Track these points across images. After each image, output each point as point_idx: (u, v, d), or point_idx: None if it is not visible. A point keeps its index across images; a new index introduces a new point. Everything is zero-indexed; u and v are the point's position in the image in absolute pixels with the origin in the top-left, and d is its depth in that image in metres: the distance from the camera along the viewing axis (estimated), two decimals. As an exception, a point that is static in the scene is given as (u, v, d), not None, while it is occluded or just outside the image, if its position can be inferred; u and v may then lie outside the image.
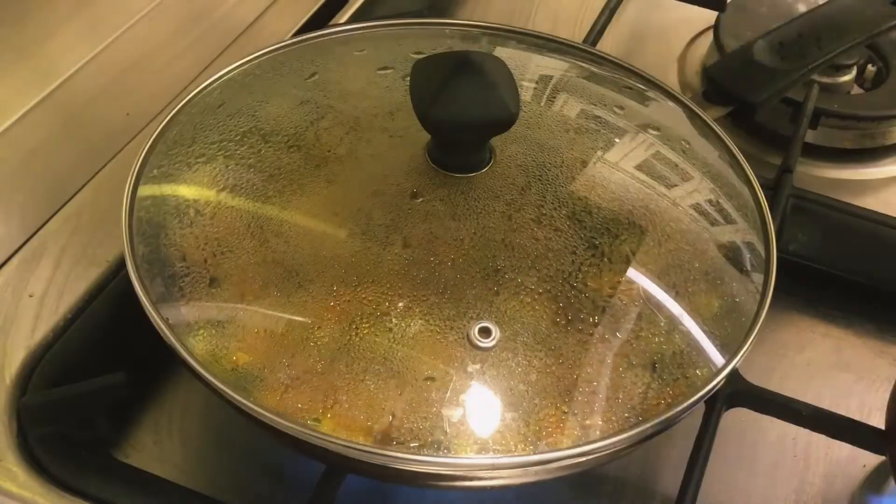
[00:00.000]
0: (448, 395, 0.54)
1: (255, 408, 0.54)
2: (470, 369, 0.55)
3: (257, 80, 0.72)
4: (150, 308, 0.57)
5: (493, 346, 0.56)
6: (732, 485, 0.66)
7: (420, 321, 0.56)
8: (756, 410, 0.66)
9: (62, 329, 0.68)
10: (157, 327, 0.56)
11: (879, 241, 0.79)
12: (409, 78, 0.61)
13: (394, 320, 0.56)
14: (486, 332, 0.56)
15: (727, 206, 0.70)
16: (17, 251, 0.73)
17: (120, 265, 0.72)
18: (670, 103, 0.74)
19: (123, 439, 0.66)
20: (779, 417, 0.66)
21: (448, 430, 0.54)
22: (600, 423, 0.56)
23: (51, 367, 0.66)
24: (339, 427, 0.54)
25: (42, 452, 0.62)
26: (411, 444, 0.53)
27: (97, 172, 0.79)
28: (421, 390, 0.54)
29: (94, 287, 0.70)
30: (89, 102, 0.83)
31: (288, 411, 0.54)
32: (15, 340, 0.67)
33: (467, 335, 0.56)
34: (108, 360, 0.65)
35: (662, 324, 0.67)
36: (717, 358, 0.61)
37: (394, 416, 0.54)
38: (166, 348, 0.56)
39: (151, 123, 0.83)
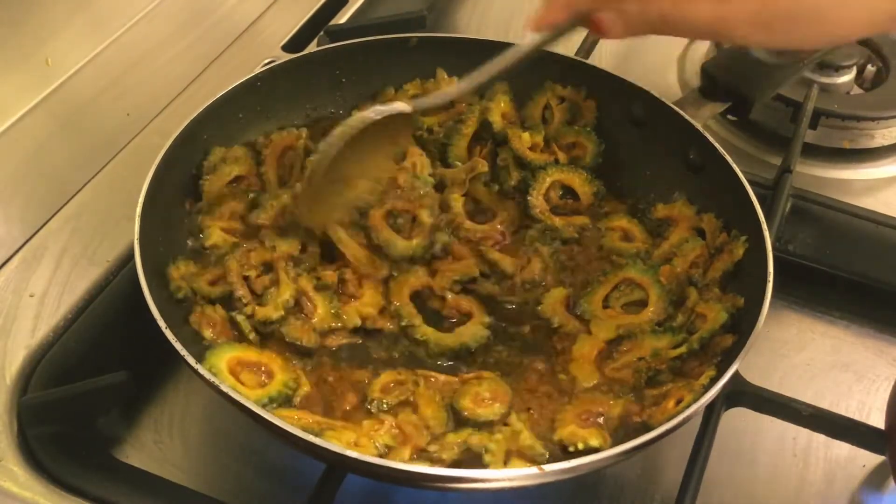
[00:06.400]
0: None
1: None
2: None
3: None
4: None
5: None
6: (732, 485, 0.66)
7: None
8: (756, 410, 0.66)
9: (62, 329, 0.68)
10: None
11: (879, 241, 0.79)
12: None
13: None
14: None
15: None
16: (17, 251, 0.73)
17: (120, 265, 0.72)
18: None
19: (123, 439, 0.66)
20: (779, 417, 0.66)
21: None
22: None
23: (51, 366, 0.66)
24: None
25: (42, 452, 0.62)
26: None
27: (97, 172, 0.79)
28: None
29: (94, 287, 0.70)
30: (89, 102, 0.83)
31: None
32: (15, 340, 0.67)
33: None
34: (108, 360, 0.65)
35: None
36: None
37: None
38: (165, 348, 0.56)
39: (151, 123, 0.84)
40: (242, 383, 0.60)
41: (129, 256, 0.70)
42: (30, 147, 0.78)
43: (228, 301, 0.65)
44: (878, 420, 0.65)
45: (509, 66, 0.61)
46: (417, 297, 0.68)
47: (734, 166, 0.70)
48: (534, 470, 0.53)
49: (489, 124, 0.78)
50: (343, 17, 0.97)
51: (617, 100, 0.78)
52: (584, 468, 0.54)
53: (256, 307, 0.65)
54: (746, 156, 0.88)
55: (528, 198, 0.75)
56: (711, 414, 0.64)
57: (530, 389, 0.64)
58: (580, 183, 0.76)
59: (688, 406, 0.56)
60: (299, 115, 0.78)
